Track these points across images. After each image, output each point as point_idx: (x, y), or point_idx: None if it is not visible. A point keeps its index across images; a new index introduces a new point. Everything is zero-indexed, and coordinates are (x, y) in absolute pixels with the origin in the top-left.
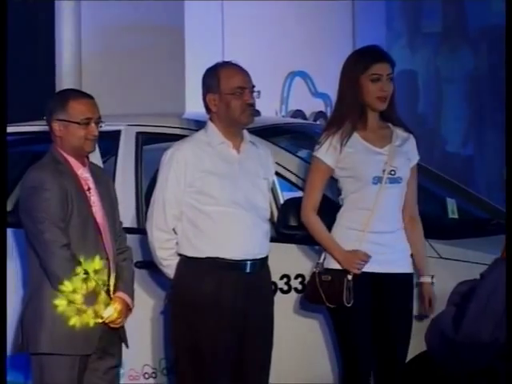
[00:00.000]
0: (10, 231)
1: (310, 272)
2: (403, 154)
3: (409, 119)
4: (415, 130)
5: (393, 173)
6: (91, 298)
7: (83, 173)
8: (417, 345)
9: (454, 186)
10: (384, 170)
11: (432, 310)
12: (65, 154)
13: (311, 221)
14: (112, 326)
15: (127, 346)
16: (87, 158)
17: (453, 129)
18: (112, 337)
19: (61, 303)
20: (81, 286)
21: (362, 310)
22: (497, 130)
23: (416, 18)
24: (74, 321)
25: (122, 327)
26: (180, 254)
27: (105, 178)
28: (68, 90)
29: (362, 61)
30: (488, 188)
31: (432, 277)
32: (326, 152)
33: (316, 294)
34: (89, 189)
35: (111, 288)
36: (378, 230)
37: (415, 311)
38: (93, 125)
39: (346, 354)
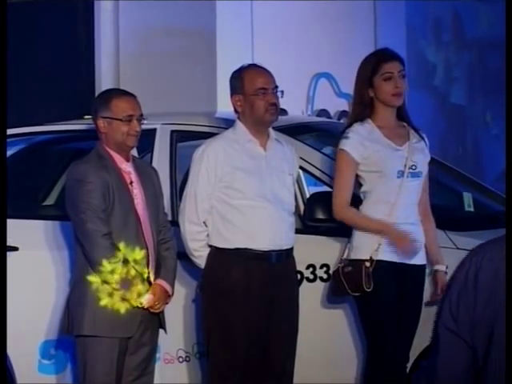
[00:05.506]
0: (56, 224)
1: (335, 262)
2: (420, 150)
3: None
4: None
5: (414, 167)
6: (127, 282)
7: (126, 167)
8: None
9: (470, 181)
10: (405, 165)
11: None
12: (109, 150)
13: (349, 215)
14: (151, 311)
15: (166, 332)
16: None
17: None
18: (152, 322)
19: (95, 280)
20: (118, 270)
21: (385, 297)
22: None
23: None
24: (106, 302)
25: (162, 313)
26: (210, 246)
27: (150, 172)
28: (111, 89)
29: (372, 63)
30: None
31: (446, 266)
32: (354, 147)
33: (340, 286)
34: (131, 182)
35: (151, 275)
36: (400, 222)
37: (425, 298)
38: (135, 121)
39: (372, 340)
